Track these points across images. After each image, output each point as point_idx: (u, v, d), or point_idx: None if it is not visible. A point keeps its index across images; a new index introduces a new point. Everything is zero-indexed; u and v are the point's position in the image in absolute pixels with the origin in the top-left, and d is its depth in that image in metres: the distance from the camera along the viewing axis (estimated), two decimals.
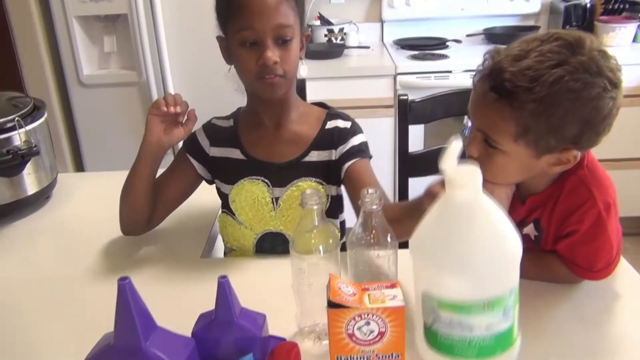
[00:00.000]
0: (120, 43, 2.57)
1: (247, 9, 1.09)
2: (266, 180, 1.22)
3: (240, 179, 1.23)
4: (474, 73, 0.99)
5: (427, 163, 1.68)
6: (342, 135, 1.23)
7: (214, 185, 1.31)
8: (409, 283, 0.88)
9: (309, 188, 0.89)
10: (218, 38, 1.21)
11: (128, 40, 2.52)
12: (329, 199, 1.23)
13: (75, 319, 1.06)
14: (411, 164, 1.68)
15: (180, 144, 1.30)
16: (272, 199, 1.22)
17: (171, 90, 2.53)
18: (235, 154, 1.24)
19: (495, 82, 0.90)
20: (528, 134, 0.91)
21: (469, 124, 2.94)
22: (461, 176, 0.73)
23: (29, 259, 1.29)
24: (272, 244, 1.25)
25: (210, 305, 0.93)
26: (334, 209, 1.27)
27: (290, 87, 1.19)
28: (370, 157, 1.24)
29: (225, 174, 1.26)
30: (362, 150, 1.22)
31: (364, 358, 0.82)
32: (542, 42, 0.90)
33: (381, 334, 0.81)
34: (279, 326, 0.94)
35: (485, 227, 0.75)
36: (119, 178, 1.65)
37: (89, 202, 1.56)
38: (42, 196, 1.52)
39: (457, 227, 0.75)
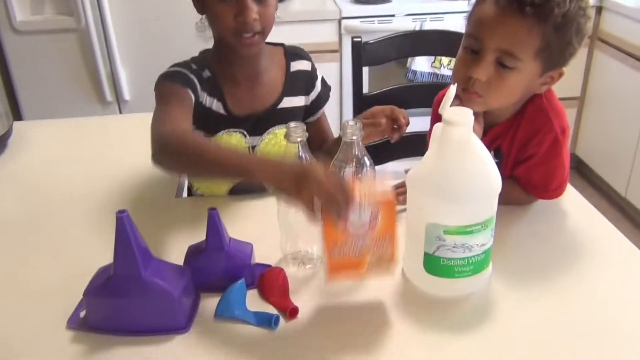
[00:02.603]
0: None
1: None
2: (243, 131, 1.23)
3: (218, 132, 1.22)
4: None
5: (380, 103, 1.75)
6: (310, 81, 1.29)
7: None
8: None
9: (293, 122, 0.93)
10: None
11: None
12: None
13: (58, 260, 1.07)
14: (366, 105, 1.73)
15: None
16: (249, 147, 1.23)
17: (112, 36, 2.45)
18: (217, 106, 1.21)
19: None
20: (546, 50, 0.99)
21: (412, 66, 2.96)
22: (457, 116, 0.83)
23: None
24: (249, 190, 1.24)
25: (194, 239, 0.98)
26: None
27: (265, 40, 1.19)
28: (329, 88, 1.36)
29: (204, 123, 1.22)
30: (326, 95, 1.32)
31: (356, 243, 0.86)
32: None
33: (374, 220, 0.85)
34: (262, 255, 1.00)
35: (477, 158, 0.86)
36: (81, 124, 1.62)
37: (49, 150, 1.51)
38: None
39: (456, 160, 0.85)
